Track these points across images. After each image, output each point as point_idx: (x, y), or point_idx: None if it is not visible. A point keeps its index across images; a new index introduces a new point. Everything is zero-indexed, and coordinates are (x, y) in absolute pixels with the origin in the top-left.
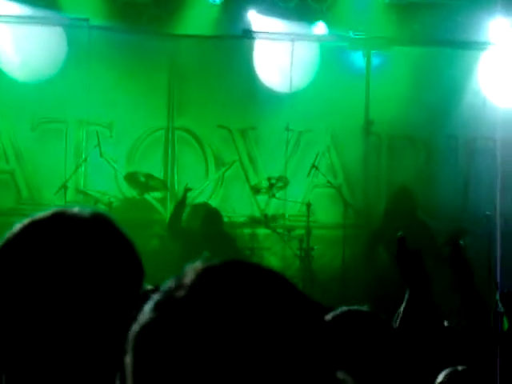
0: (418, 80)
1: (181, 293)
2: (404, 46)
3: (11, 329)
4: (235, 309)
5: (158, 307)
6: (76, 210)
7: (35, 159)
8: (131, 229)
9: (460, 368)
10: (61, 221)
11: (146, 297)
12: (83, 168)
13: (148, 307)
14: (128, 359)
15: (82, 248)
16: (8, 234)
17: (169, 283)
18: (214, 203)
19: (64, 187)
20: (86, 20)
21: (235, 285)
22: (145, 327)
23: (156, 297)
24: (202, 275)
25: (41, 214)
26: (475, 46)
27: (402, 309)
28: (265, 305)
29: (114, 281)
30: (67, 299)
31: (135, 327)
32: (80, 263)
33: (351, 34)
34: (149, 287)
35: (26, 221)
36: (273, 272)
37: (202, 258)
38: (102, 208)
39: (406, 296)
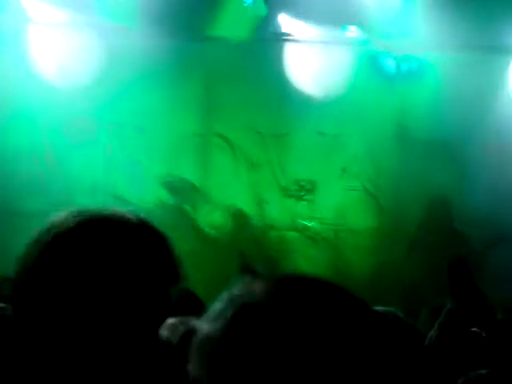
0: (452, 85)
1: (258, 301)
2: (438, 51)
3: (51, 323)
4: (313, 323)
5: (233, 317)
6: (123, 213)
7: (68, 163)
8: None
9: (484, 371)
10: (110, 223)
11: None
12: (117, 173)
13: (218, 315)
14: (198, 370)
15: (129, 252)
16: (57, 224)
17: (235, 293)
18: (245, 207)
19: (96, 191)
20: (122, 25)
21: (311, 300)
22: (221, 339)
23: (224, 305)
24: (276, 287)
25: (88, 213)
26: (510, 51)
27: (439, 321)
28: (342, 320)
29: (153, 288)
30: (109, 300)
31: (201, 336)
32: (125, 267)
33: (384, 38)
34: None
35: (73, 218)
36: (341, 287)
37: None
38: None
39: (446, 309)
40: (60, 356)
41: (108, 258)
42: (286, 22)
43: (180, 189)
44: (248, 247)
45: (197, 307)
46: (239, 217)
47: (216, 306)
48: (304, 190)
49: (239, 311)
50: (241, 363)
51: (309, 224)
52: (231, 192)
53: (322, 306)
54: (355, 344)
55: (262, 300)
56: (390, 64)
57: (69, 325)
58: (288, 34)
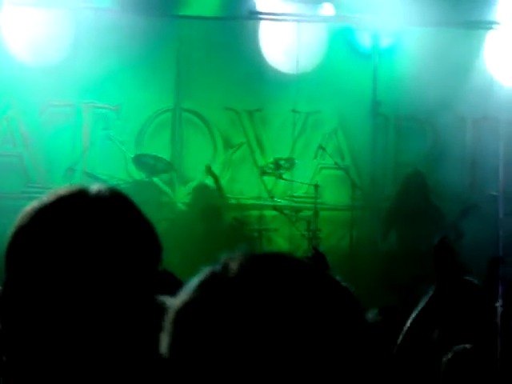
0: (426, 61)
1: (229, 275)
2: (411, 27)
3: (28, 308)
4: (282, 297)
5: (202, 287)
6: (96, 187)
7: (43, 142)
8: None
9: (468, 346)
10: (83, 199)
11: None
12: (91, 151)
13: (190, 286)
14: (165, 337)
15: (103, 226)
16: (29, 211)
17: (211, 267)
18: (220, 185)
19: (71, 170)
20: (93, 2)
21: (282, 274)
22: (188, 305)
23: (199, 277)
24: (249, 261)
25: (60, 192)
26: (483, 25)
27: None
28: (310, 296)
29: (134, 259)
30: (88, 278)
31: (175, 305)
32: (102, 242)
33: (358, 14)
34: None
35: (47, 198)
36: (313, 266)
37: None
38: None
39: (431, 292)
40: (46, 341)
41: (76, 235)
42: None
43: (155, 167)
44: (224, 226)
45: (174, 286)
46: (212, 194)
47: (192, 282)
48: (282, 168)
49: (207, 280)
50: (204, 329)
51: (286, 202)
52: (205, 169)
53: (289, 280)
54: (316, 316)
55: (232, 272)
56: (364, 40)
57: (52, 306)
58: (262, 12)
